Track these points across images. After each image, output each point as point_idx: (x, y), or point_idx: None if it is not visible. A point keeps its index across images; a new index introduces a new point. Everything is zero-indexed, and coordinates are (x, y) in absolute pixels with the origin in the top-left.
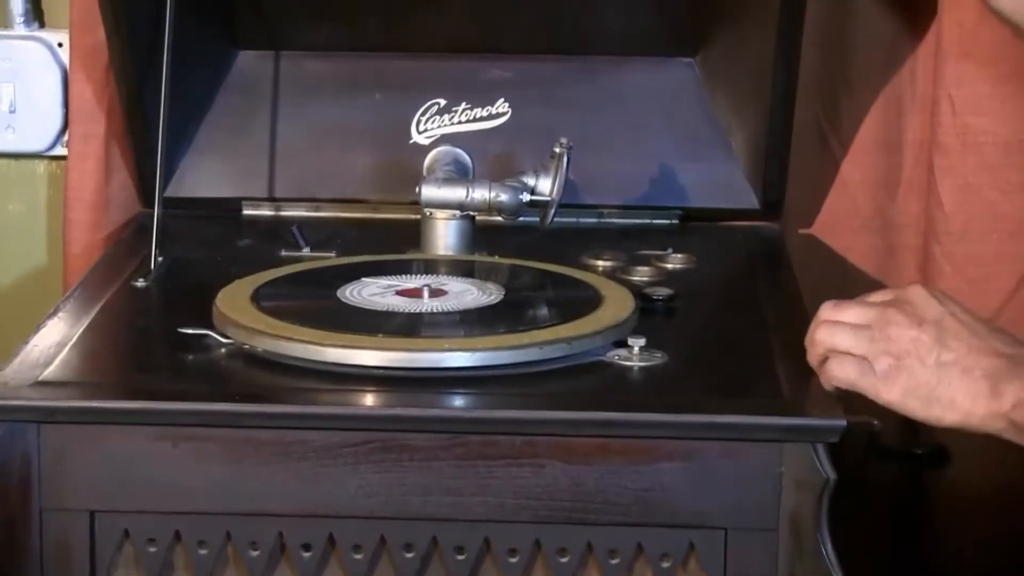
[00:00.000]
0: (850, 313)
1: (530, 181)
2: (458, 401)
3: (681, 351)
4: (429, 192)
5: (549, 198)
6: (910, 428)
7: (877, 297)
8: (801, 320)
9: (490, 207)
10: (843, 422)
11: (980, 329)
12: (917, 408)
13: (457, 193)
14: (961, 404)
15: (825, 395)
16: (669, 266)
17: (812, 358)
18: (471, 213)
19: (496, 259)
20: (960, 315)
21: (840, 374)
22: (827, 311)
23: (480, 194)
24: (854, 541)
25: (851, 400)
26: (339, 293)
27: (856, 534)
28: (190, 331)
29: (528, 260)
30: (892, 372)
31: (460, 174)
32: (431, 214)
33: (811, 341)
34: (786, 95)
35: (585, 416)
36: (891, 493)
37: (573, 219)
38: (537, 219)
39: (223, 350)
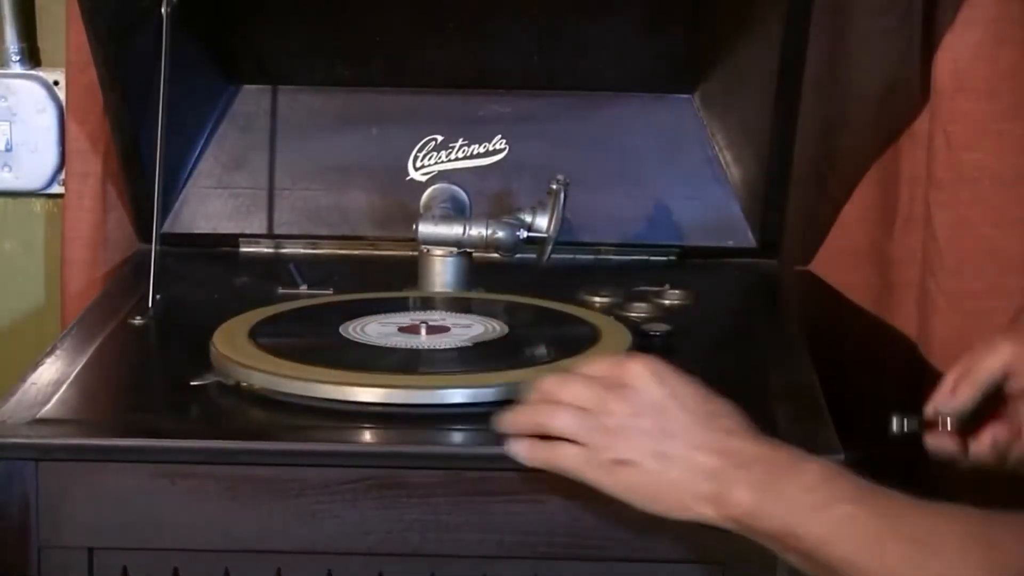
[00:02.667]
0: (569, 392)
1: (527, 218)
2: (456, 437)
3: None
4: (426, 229)
5: (546, 235)
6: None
7: (598, 370)
8: (799, 357)
9: (487, 244)
10: (840, 456)
11: (700, 412)
12: (643, 504)
13: (454, 230)
14: (690, 506)
15: (823, 430)
16: (666, 302)
17: (523, 427)
18: (468, 250)
19: (494, 296)
20: (681, 394)
21: (566, 464)
22: (549, 385)
23: (477, 231)
24: None
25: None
26: (340, 330)
27: None
28: (198, 383)
29: (526, 297)
30: (615, 468)
31: (457, 212)
32: (428, 251)
33: (531, 416)
34: (785, 133)
35: None
36: None
37: (570, 256)
38: (534, 256)
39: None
